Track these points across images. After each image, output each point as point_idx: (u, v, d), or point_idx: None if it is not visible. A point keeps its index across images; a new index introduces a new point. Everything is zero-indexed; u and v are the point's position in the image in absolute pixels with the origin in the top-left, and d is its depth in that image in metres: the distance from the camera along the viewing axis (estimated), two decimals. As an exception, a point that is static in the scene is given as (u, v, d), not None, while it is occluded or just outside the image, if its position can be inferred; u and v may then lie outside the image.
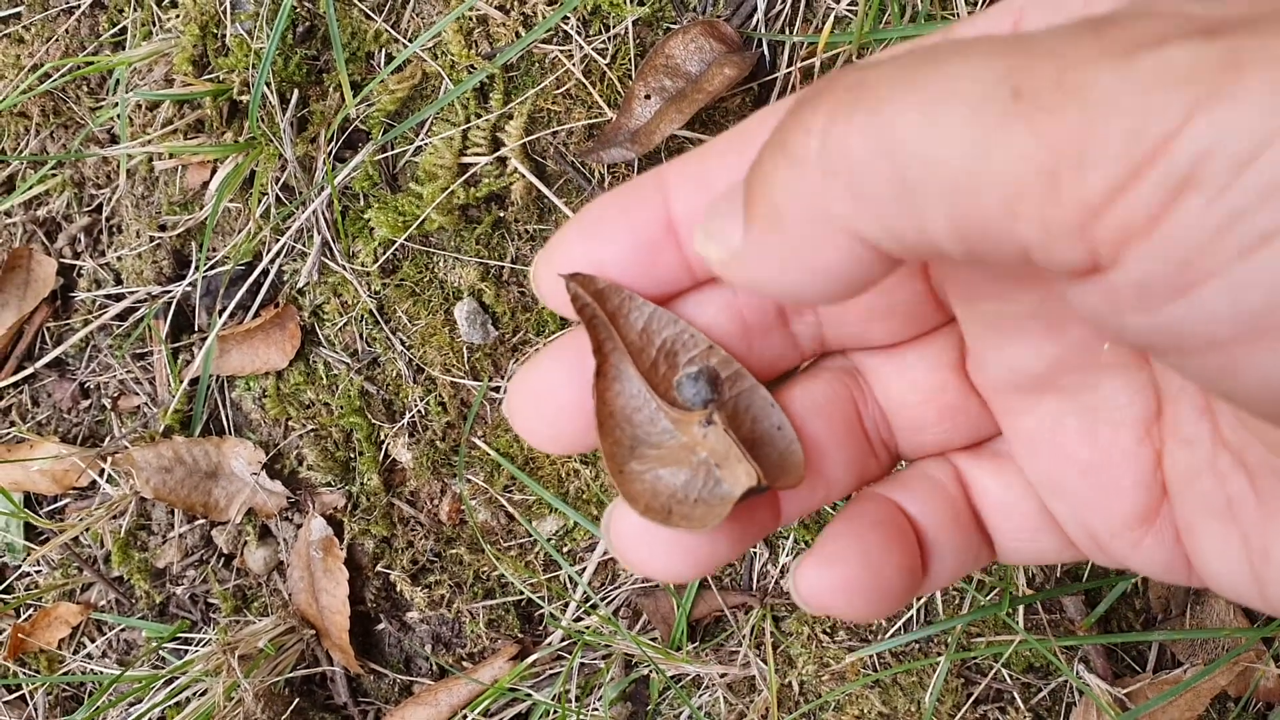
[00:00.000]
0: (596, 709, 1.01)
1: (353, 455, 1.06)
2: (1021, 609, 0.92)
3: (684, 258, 0.36)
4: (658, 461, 0.37)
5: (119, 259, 1.10)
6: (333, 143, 0.97)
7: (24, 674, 1.15)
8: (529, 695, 1.03)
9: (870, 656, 0.96)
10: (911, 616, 0.95)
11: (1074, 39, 0.25)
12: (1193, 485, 0.36)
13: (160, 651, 1.12)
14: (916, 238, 0.27)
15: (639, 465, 0.37)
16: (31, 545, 1.14)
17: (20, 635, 1.13)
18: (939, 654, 0.95)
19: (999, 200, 0.25)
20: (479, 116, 0.92)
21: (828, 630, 0.97)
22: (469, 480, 1.02)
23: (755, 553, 0.99)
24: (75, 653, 1.15)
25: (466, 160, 0.93)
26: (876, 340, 0.39)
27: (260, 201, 1.00)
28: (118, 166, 1.07)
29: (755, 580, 0.99)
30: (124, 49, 1.03)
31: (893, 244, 0.28)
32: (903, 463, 0.42)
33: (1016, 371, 0.37)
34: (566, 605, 1.03)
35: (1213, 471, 0.35)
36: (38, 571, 1.17)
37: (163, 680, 1.06)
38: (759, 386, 0.38)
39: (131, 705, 1.10)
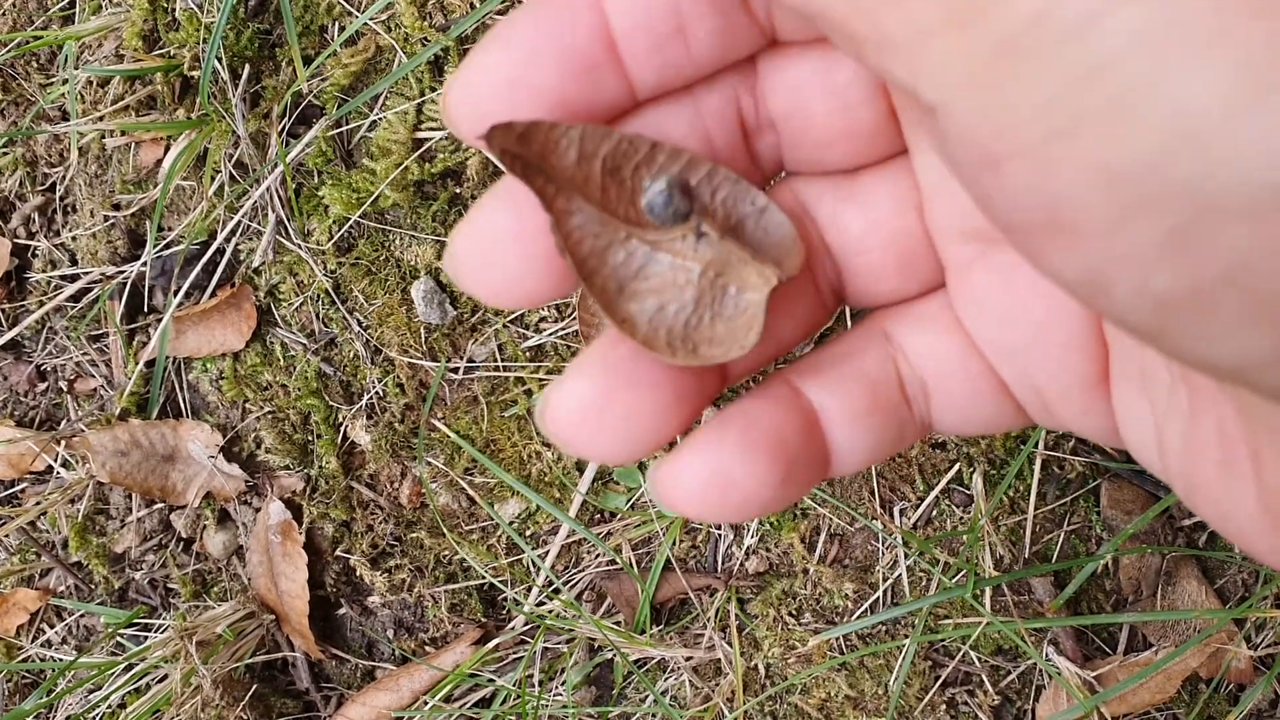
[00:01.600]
0: (560, 694, 1.00)
1: (311, 438, 1.04)
2: (989, 591, 0.91)
3: (628, 77, 0.32)
4: (653, 294, 0.33)
5: (74, 239, 1.08)
6: (286, 118, 0.95)
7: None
8: (492, 680, 1.01)
9: (837, 639, 0.95)
10: (878, 599, 0.94)
11: None
12: (1117, 348, 0.34)
13: (119, 637, 1.10)
14: None
15: (636, 306, 0.33)
16: (-12, 531, 1.12)
17: (-22, 622, 1.12)
18: (906, 636, 0.94)
19: None
20: (434, 90, 0.90)
21: (793, 613, 0.96)
22: (429, 463, 1.00)
23: (720, 534, 0.98)
24: (34, 639, 1.13)
25: (421, 135, 0.91)
26: (835, 163, 0.36)
27: (213, 179, 0.98)
28: (70, 144, 1.05)
29: (720, 562, 0.98)
30: (73, 23, 1.01)
31: None
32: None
33: (968, 213, 0.34)
34: (529, 589, 1.01)
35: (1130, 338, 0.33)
36: (-4, 557, 1.15)
37: (121, 666, 1.05)
38: (718, 167, 0.34)
39: (91, 692, 1.08)
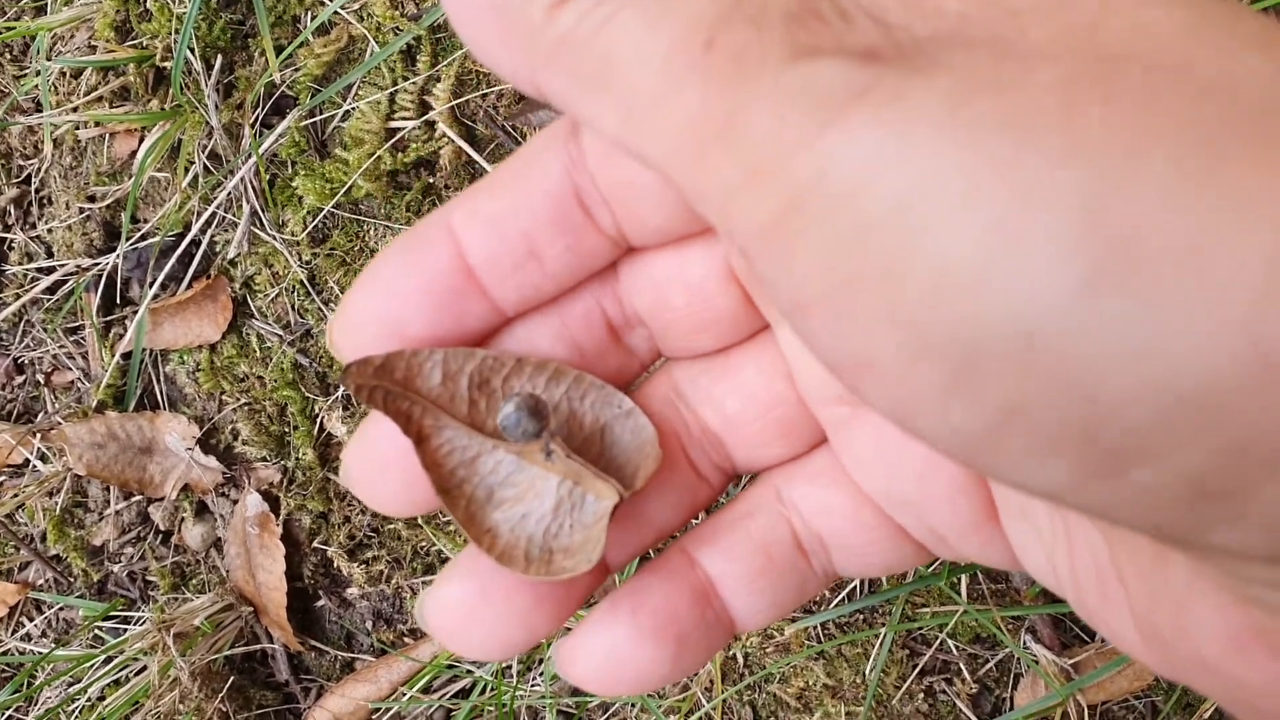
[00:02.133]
0: (538, 684, 1.00)
1: (287, 429, 1.04)
2: (965, 579, 0.91)
3: (491, 300, 0.35)
4: (518, 501, 0.36)
5: (49, 231, 1.08)
6: (259, 109, 0.95)
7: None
8: (470, 671, 1.01)
9: (814, 628, 0.95)
10: (856, 587, 0.94)
11: (765, 21, 0.24)
12: (995, 488, 0.35)
13: (98, 630, 1.10)
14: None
15: (501, 514, 0.35)
16: (-34, 524, 1.12)
17: (-43, 616, 1.12)
18: (883, 625, 0.93)
19: (667, 145, 0.25)
20: (406, 79, 0.90)
21: (771, 602, 0.95)
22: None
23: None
24: (13, 633, 1.13)
25: (394, 125, 0.91)
26: (706, 348, 0.38)
27: (187, 170, 0.98)
28: (44, 137, 1.05)
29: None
30: (45, 14, 1.01)
31: None
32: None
33: (830, 381, 0.35)
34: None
35: None
36: (-25, 551, 1.15)
37: (100, 659, 1.05)
38: (584, 375, 0.37)
39: (70, 685, 1.08)
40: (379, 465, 0.35)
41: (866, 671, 0.94)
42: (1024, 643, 0.92)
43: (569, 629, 0.37)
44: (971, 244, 0.21)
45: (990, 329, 0.21)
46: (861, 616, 0.95)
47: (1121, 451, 0.21)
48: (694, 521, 0.41)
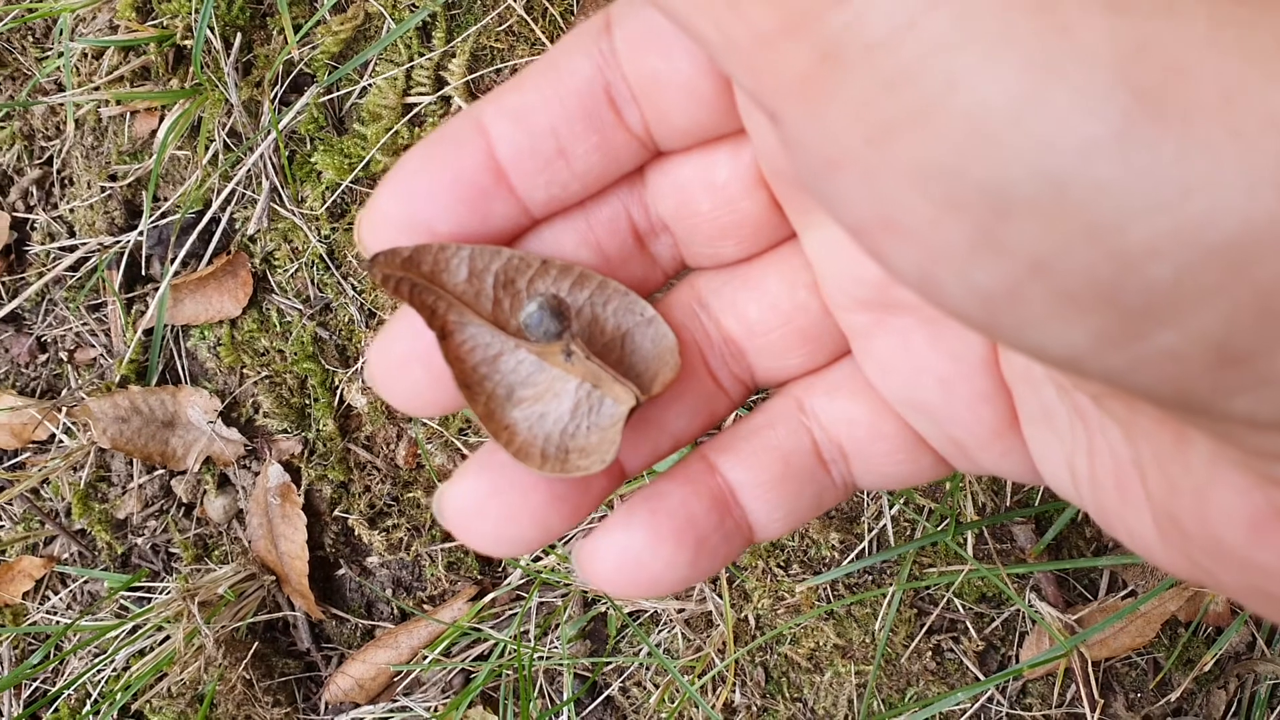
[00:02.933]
0: (555, 646, 1.02)
1: (308, 401, 1.06)
2: (971, 538, 0.93)
3: (519, 200, 0.35)
4: (537, 400, 0.36)
5: (71, 211, 1.10)
6: (278, 86, 0.97)
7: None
8: (489, 635, 1.04)
9: (824, 588, 0.97)
10: (864, 548, 0.96)
11: None
12: (1018, 393, 0.35)
13: (123, 601, 1.13)
14: None
15: (520, 412, 0.36)
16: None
17: (-16, 589, 1.14)
18: (891, 585, 0.96)
19: None
20: (422, 55, 0.92)
21: (782, 564, 0.98)
22: (424, 424, 1.02)
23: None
24: (40, 605, 1.15)
25: (410, 100, 0.93)
26: (730, 256, 0.39)
27: (208, 148, 1.00)
28: (66, 117, 1.07)
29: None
30: (67, -3, 1.03)
31: None
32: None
33: (858, 283, 0.36)
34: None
35: (1027, 381, 0.34)
36: (0, 526, 1.17)
37: (126, 628, 1.07)
38: (609, 281, 0.37)
39: (96, 656, 1.10)
40: (402, 362, 0.36)
41: (875, 630, 0.96)
42: (1029, 600, 0.94)
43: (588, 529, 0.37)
44: (1005, 89, 0.21)
45: (1021, 177, 0.21)
46: (870, 578, 0.97)
47: (1144, 311, 0.21)
48: (712, 432, 0.42)
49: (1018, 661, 0.96)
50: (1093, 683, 0.92)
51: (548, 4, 0.89)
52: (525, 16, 0.89)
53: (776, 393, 0.40)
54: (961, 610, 0.96)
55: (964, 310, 0.24)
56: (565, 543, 1.02)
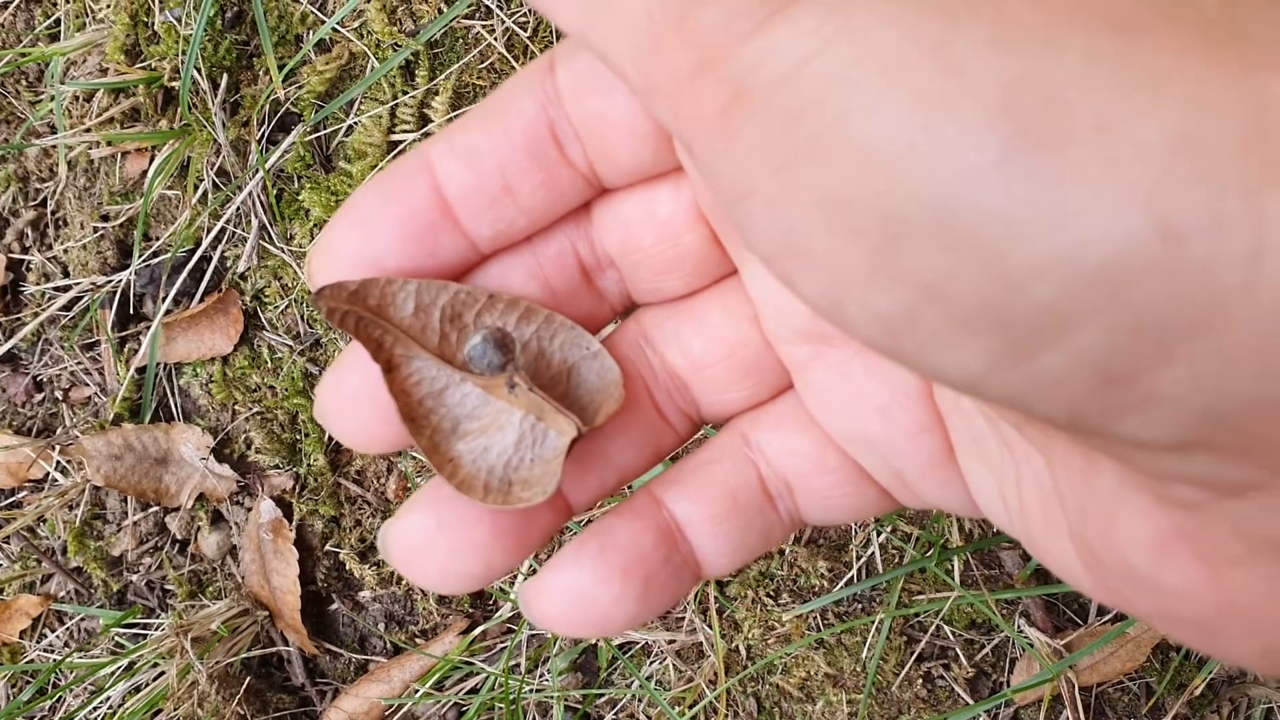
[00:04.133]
0: (546, 679, 1.02)
1: (299, 437, 1.07)
2: (958, 564, 0.93)
3: (467, 235, 0.36)
4: (482, 433, 0.36)
5: (65, 251, 1.11)
6: (265, 126, 0.98)
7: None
8: (481, 668, 1.04)
9: (814, 617, 0.97)
10: (852, 576, 0.96)
11: None
12: (951, 423, 0.36)
13: (118, 638, 1.13)
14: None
15: (465, 445, 0.36)
16: (-11, 538, 1.15)
17: (-19, 628, 1.14)
18: (881, 613, 0.96)
19: (626, 39, 0.26)
20: (406, 94, 0.93)
21: (771, 594, 0.98)
22: (413, 457, 1.03)
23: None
24: (37, 643, 1.16)
25: (395, 137, 0.94)
26: (674, 290, 0.39)
27: (197, 187, 1.01)
28: (59, 158, 1.08)
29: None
30: (59, 40, 1.04)
31: None
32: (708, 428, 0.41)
33: (795, 314, 0.36)
34: (515, 577, 1.03)
35: (958, 411, 0.35)
36: (-2, 565, 1.18)
37: (120, 665, 1.07)
38: (555, 315, 0.37)
39: (93, 694, 1.10)
40: (351, 399, 0.36)
41: (865, 659, 0.96)
42: (1018, 626, 0.94)
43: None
44: (897, 120, 0.22)
45: (912, 204, 0.22)
46: (860, 605, 0.97)
47: (1032, 332, 0.22)
48: (659, 469, 0.42)
49: (1008, 688, 0.96)
50: (1084, 708, 0.92)
51: (528, 41, 0.90)
52: (506, 54, 0.90)
53: (723, 428, 0.41)
54: (951, 637, 0.96)
55: (868, 335, 0.25)
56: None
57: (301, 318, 1.03)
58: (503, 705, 1.02)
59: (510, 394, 0.36)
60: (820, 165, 0.23)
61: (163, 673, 1.05)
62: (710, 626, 0.99)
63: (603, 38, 0.27)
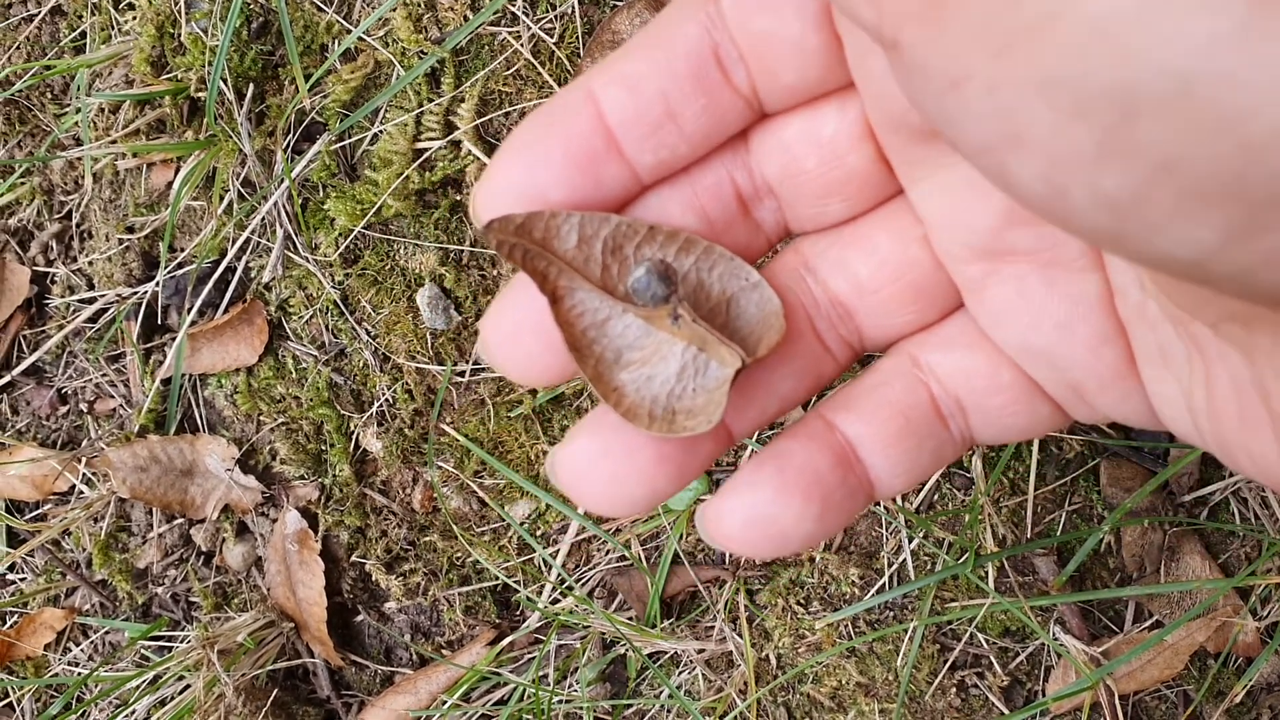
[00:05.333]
0: (575, 689, 1.01)
1: (324, 447, 1.06)
2: (992, 571, 0.92)
3: (629, 164, 0.36)
4: (644, 363, 0.37)
5: (90, 263, 1.11)
6: (290, 135, 0.98)
7: (10, 680, 1.15)
8: (508, 679, 1.03)
9: (845, 625, 0.96)
10: (884, 583, 0.95)
11: None
12: (1134, 333, 0.35)
13: (144, 651, 1.13)
14: None
15: (628, 375, 0.37)
16: (13, 552, 1.15)
17: (7, 642, 1.14)
18: (913, 621, 0.95)
19: None
20: (431, 101, 0.93)
21: (802, 602, 0.97)
22: (439, 467, 1.02)
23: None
24: (61, 656, 1.15)
25: (421, 145, 0.94)
26: (836, 215, 0.39)
27: (222, 198, 1.01)
28: (84, 170, 1.08)
29: (727, 554, 0.99)
30: (84, 53, 1.05)
31: None
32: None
33: (971, 232, 0.36)
34: (542, 588, 1.03)
35: (1143, 319, 0.35)
36: (22, 579, 1.18)
37: (146, 678, 1.07)
38: (714, 246, 0.37)
39: (117, 707, 1.10)
40: (515, 331, 0.37)
41: (898, 667, 0.95)
42: (1053, 633, 0.93)
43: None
44: None
45: (1147, 77, 0.21)
46: (891, 613, 0.96)
47: (1268, 203, 0.21)
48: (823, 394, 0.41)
49: (1043, 696, 0.95)
50: (1121, 717, 0.91)
51: (554, 48, 0.89)
52: (532, 60, 0.90)
53: (889, 352, 0.40)
54: (985, 645, 0.95)
55: (1090, 221, 0.24)
56: (581, 583, 1.02)
57: (326, 327, 1.03)
58: (531, 716, 1.01)
59: (673, 325, 0.36)
60: (1046, 43, 0.22)
61: (189, 686, 1.05)
62: (740, 635, 0.98)
63: None
